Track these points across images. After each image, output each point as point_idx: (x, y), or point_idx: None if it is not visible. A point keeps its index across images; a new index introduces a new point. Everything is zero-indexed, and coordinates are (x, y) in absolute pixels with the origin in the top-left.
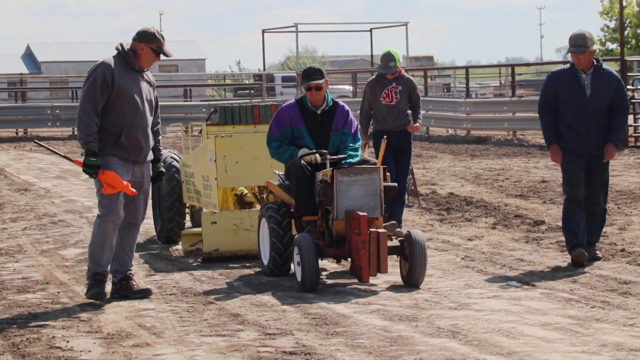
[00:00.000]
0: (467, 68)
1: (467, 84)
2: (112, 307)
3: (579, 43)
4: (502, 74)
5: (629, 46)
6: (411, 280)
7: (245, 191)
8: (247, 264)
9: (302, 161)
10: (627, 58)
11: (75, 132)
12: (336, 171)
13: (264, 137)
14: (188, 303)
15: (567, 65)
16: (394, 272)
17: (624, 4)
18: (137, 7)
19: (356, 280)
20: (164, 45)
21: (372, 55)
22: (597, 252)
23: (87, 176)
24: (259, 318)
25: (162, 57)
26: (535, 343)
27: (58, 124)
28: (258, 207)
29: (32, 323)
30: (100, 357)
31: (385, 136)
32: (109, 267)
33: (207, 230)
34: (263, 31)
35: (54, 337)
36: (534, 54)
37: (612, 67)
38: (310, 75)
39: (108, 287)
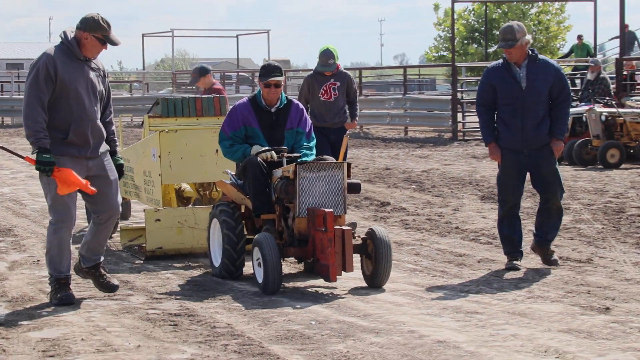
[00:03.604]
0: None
1: None
2: (14, 274)
3: (507, 37)
4: None
5: (458, 54)
6: (375, 280)
7: (185, 186)
8: (192, 263)
9: (259, 158)
10: (457, 64)
11: None
12: (299, 166)
13: (209, 133)
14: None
15: (501, 60)
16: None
17: (455, 17)
18: (27, 11)
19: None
20: (110, 33)
21: (237, 58)
22: (554, 256)
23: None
24: (146, 284)
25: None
26: (386, 307)
27: None
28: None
29: None
30: (6, 318)
31: (347, 131)
32: (71, 270)
33: (151, 228)
34: (143, 35)
35: None
36: (374, 59)
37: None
38: (270, 72)
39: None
